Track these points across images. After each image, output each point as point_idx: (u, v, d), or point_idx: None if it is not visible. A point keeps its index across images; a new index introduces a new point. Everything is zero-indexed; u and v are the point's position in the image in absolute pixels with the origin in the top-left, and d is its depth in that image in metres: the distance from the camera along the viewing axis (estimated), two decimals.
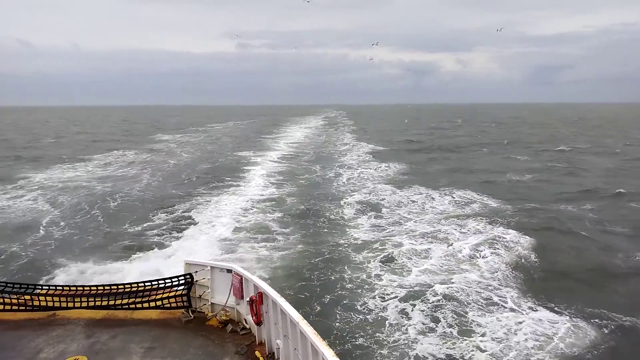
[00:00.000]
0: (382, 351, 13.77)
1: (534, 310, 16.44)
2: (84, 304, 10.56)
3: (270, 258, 21.64)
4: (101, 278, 18.02)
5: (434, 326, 15.46)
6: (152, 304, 10.55)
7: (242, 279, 9.78)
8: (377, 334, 14.75)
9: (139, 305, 10.55)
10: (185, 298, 10.56)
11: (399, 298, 17.44)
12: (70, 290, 11.24)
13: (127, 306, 10.57)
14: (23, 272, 19.88)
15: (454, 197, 35.28)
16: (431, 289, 18.04)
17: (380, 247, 23.06)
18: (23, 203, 34.53)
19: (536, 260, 21.30)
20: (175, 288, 10.80)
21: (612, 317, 16.09)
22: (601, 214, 30.42)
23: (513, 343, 14.37)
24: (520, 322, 15.55)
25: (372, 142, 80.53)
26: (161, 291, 10.83)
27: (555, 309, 16.60)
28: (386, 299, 17.48)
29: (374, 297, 17.59)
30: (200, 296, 10.77)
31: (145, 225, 28.13)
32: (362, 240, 24.78)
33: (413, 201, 34.09)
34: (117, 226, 28.08)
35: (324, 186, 41.22)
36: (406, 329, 15.20)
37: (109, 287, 11.06)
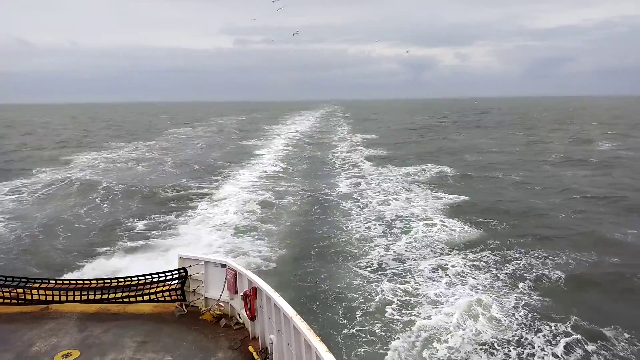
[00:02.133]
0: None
1: (446, 222, 26.41)
2: (77, 298, 10.59)
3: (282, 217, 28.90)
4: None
5: (387, 225, 25.53)
6: (146, 297, 10.61)
7: (236, 273, 9.86)
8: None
9: (132, 299, 10.59)
10: (179, 292, 10.64)
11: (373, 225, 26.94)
12: (63, 284, 11.25)
13: (120, 300, 10.60)
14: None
15: (420, 168, 45.48)
16: (390, 217, 27.93)
17: (358, 200, 32.63)
18: (81, 175, 44.15)
19: (460, 204, 31.20)
20: (169, 282, 10.84)
21: (498, 231, 25.70)
22: (525, 178, 40.71)
23: (432, 234, 24.23)
24: (436, 226, 25.53)
25: (365, 133, 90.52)
26: (155, 285, 10.88)
27: (462, 223, 26.43)
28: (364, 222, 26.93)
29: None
30: (194, 290, 10.83)
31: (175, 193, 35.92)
32: (344, 192, 34.69)
33: (390, 174, 43.97)
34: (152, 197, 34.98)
35: (322, 164, 50.93)
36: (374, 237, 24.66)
37: (102, 281, 11.15)
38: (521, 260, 20.24)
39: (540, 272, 19.04)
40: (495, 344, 13.72)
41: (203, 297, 10.64)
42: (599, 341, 13.78)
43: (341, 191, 35.84)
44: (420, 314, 15.61)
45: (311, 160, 53.36)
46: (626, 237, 23.86)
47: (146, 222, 27.48)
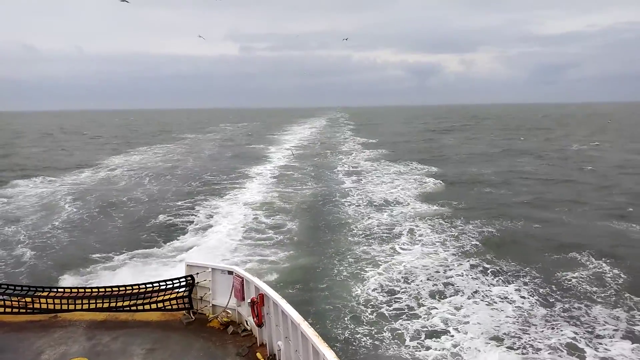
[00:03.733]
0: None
1: (419, 201, 33.76)
2: (85, 307, 10.69)
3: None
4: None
5: (376, 207, 32.67)
6: (154, 305, 10.72)
7: (243, 280, 10.00)
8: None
9: (140, 307, 10.71)
10: (186, 300, 10.77)
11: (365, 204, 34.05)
12: (71, 292, 11.33)
13: (128, 308, 10.74)
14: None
15: (409, 166, 53.02)
16: (379, 198, 35.31)
17: (360, 193, 39.54)
18: (120, 173, 51.88)
19: (436, 189, 38.89)
20: (177, 290, 10.97)
21: (457, 207, 32.61)
22: (494, 170, 49.16)
23: (408, 212, 31.28)
24: (410, 207, 32.65)
25: (365, 136, 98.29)
26: (162, 293, 11.00)
27: (432, 203, 33.45)
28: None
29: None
30: (201, 298, 10.95)
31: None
32: (348, 187, 41.82)
33: (384, 168, 51.61)
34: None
35: (327, 161, 58.83)
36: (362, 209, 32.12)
37: (110, 289, 11.26)
38: (464, 225, 27.41)
39: (475, 232, 26.18)
40: (439, 270, 20.44)
41: (210, 305, 10.88)
42: (492, 265, 20.91)
43: (343, 180, 44.42)
44: (395, 258, 22.17)
45: (319, 158, 61.87)
46: (548, 205, 32.60)
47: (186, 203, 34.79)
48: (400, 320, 16.17)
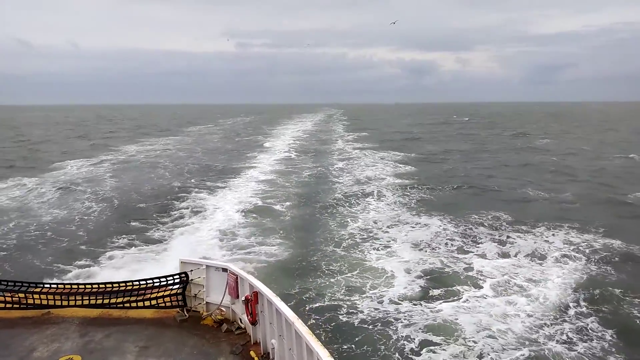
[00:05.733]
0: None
1: (391, 178, 42.90)
2: (79, 303, 10.60)
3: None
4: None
5: (358, 181, 41.76)
6: (147, 302, 10.68)
7: (237, 278, 9.98)
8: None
9: (133, 304, 10.69)
10: (180, 297, 10.74)
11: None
12: (64, 288, 11.28)
13: (121, 305, 10.69)
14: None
15: (391, 151, 62.64)
16: (361, 175, 44.64)
17: (350, 173, 48.42)
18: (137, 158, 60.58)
19: (409, 171, 47.96)
20: (170, 287, 10.92)
21: (421, 180, 42.20)
22: (460, 156, 59.67)
23: (381, 183, 40.37)
24: (385, 181, 41.76)
25: (358, 130, 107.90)
26: (156, 290, 10.95)
27: (400, 178, 42.89)
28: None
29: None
30: (195, 295, 10.96)
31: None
32: (340, 168, 50.95)
33: (370, 155, 60.93)
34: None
35: (321, 153, 67.34)
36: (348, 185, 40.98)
37: (103, 286, 11.19)
38: (420, 191, 37.44)
39: (425, 195, 36.10)
40: (396, 216, 29.38)
41: (204, 302, 10.91)
42: (430, 212, 30.28)
43: (334, 162, 55.02)
44: (368, 208, 31.60)
45: (314, 147, 72.52)
46: (487, 178, 43.93)
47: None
48: (366, 243, 24.79)
